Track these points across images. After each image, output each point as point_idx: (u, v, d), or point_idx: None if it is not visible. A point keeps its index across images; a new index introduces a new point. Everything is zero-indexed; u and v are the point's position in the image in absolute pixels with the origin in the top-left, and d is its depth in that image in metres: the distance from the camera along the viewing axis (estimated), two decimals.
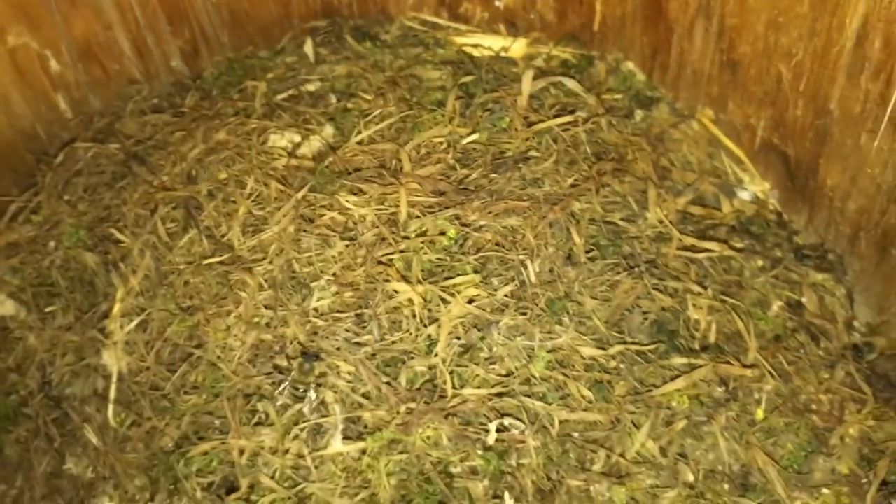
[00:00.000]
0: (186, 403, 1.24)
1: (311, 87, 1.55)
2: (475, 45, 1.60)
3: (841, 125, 1.29)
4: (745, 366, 1.27)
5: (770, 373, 1.28)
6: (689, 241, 1.36)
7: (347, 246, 1.24)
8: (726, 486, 1.20)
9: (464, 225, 1.26)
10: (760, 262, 1.44)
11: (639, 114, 1.56)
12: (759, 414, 1.27)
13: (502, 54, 1.59)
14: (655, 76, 1.59)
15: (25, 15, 1.52)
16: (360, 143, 1.37)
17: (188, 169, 1.37)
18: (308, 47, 1.65)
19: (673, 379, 1.23)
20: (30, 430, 1.43)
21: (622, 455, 1.20)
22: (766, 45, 1.34)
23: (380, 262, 1.22)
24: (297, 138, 1.41)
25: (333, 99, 1.51)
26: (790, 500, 1.19)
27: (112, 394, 1.32)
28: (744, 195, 1.53)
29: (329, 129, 1.44)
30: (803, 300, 1.42)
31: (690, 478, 1.19)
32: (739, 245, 1.43)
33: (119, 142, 1.51)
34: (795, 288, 1.43)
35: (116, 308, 1.31)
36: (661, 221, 1.36)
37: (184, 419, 1.23)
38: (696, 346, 1.29)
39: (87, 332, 1.36)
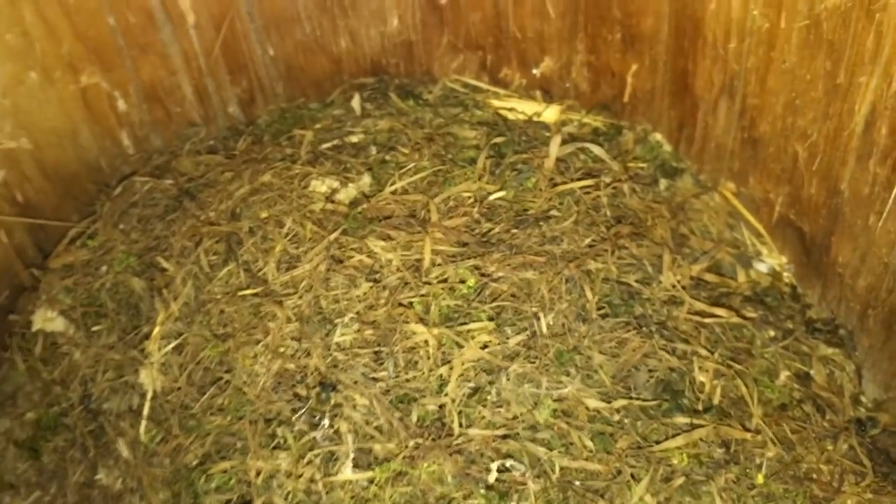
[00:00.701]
0: (212, 424, 1.32)
1: (354, 139, 1.65)
2: (510, 109, 1.69)
3: (851, 205, 1.35)
4: (747, 430, 1.31)
5: (772, 440, 1.32)
6: (700, 306, 1.42)
7: (372, 287, 1.32)
8: None
9: (483, 275, 1.34)
10: (772, 333, 1.48)
11: (663, 183, 1.63)
12: (759, 479, 1.30)
13: (535, 119, 1.68)
14: (682, 148, 1.66)
15: (99, 57, 1.65)
16: (393, 192, 1.47)
17: (233, 206, 1.48)
18: (355, 102, 1.76)
19: (674, 436, 1.28)
20: (67, 440, 1.52)
21: None
22: (784, 125, 1.41)
23: (401, 304, 1.30)
24: (336, 185, 1.51)
25: (374, 150, 1.61)
26: None
27: (146, 411, 1.40)
28: (761, 267, 1.58)
29: (367, 179, 1.53)
30: (812, 372, 1.46)
31: None
32: (752, 314, 1.48)
33: (173, 178, 1.63)
34: (805, 360, 1.47)
35: (156, 331, 1.41)
36: (673, 286, 1.42)
37: (208, 438, 1.31)
38: (700, 407, 1.33)
39: (128, 351, 1.46)
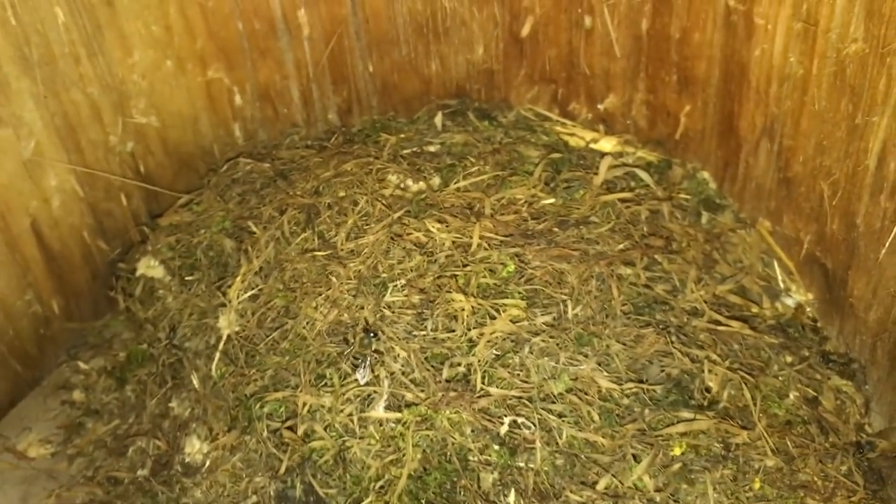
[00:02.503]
0: (272, 360, 1.52)
1: (431, 148, 1.87)
2: (571, 134, 1.88)
3: (865, 239, 1.47)
4: (747, 429, 1.42)
5: (773, 449, 1.42)
6: (718, 317, 1.55)
7: (424, 260, 1.51)
8: None
9: (522, 262, 1.51)
10: (789, 358, 1.58)
11: (705, 216, 1.78)
12: (756, 483, 1.40)
13: (593, 145, 1.86)
14: (725, 186, 1.81)
15: (225, 56, 1.93)
16: (456, 189, 1.67)
17: (317, 185, 1.71)
18: (437, 119, 1.98)
19: (678, 423, 1.40)
20: (150, 373, 1.75)
21: (620, 481, 1.37)
22: (814, 166, 1.54)
23: (446, 277, 1.48)
24: (408, 180, 1.72)
25: (447, 159, 1.82)
26: None
27: (219, 349, 1.62)
28: (788, 301, 1.70)
29: (436, 180, 1.74)
30: (821, 398, 1.56)
31: None
32: (772, 340, 1.60)
33: (271, 163, 1.88)
34: (816, 386, 1.56)
35: (237, 280, 1.63)
36: (696, 299, 1.56)
37: (267, 373, 1.51)
38: (706, 404, 1.45)
39: (212, 299, 1.69)
